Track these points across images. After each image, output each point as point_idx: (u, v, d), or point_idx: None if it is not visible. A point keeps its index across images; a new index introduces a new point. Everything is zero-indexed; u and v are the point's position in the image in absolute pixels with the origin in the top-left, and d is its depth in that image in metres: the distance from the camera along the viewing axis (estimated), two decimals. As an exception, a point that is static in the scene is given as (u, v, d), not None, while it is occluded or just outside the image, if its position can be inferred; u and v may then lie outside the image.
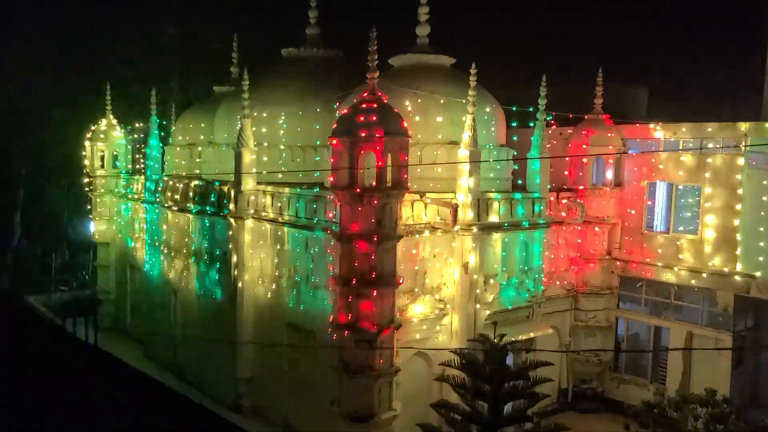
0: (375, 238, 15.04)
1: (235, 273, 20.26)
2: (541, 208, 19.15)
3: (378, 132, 14.85)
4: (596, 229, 20.70)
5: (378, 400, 15.55)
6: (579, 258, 21.02)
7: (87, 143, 30.72)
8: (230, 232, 20.36)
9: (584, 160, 20.56)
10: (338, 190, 15.33)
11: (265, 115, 21.38)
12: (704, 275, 19.20)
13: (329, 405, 16.44)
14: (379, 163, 14.91)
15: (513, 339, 18.11)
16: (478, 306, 17.78)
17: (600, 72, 21.03)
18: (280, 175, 20.52)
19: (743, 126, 18.72)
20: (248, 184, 20.06)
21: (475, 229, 17.35)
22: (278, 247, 19.27)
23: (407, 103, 18.02)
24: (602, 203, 20.67)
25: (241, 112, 20.49)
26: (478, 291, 17.75)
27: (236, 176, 20.28)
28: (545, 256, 19.54)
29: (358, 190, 14.89)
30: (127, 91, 38.08)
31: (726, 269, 18.87)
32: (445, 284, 17.78)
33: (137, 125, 30.79)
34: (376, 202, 14.98)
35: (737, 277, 18.63)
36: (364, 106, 15.25)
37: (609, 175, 20.73)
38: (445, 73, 20.38)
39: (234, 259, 20.23)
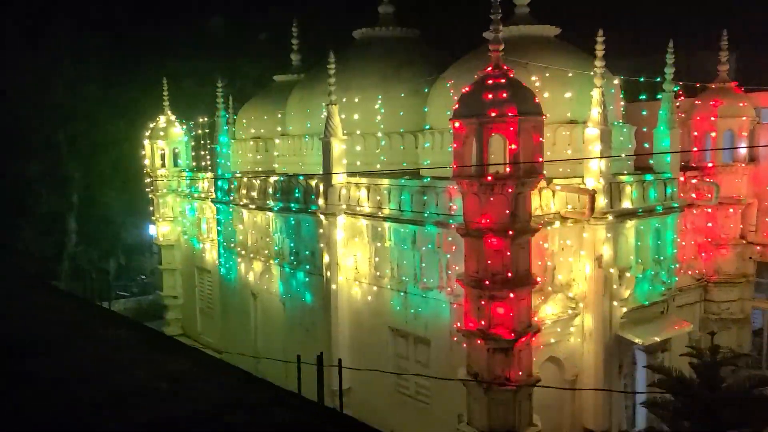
0: (510, 233, 13.10)
1: (328, 274, 18.53)
2: (674, 190, 16.98)
3: (510, 111, 12.87)
4: (730, 210, 18.43)
5: (518, 415, 13.69)
6: (709, 243, 18.79)
7: (146, 142, 29.35)
8: (320, 230, 18.61)
9: (713, 134, 18.25)
10: (464, 178, 13.40)
11: (344, 100, 19.46)
12: None
13: (456, 421, 14.65)
14: (513, 146, 12.95)
15: (656, 339, 16.18)
16: (615, 303, 15.73)
17: (725, 35, 18.65)
18: (378, 165, 18.67)
19: None
20: (339, 176, 18.27)
21: (609, 218, 15.27)
22: (378, 244, 17.46)
23: (534, 78, 15.91)
24: (735, 181, 18.37)
25: (327, 98, 18.68)
26: (614, 286, 15.69)
27: (325, 168, 18.50)
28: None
29: (490, 178, 12.95)
30: (181, 86, 36.75)
31: None
32: (575, 280, 15.76)
33: (193, 121, 29.20)
34: (511, 191, 13.03)
35: None
36: (490, 82, 13.25)
37: (742, 149, 18.41)
38: (552, 45, 18.23)
39: (326, 258, 18.49)
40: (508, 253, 13.20)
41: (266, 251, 21.53)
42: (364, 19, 24.18)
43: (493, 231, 13.19)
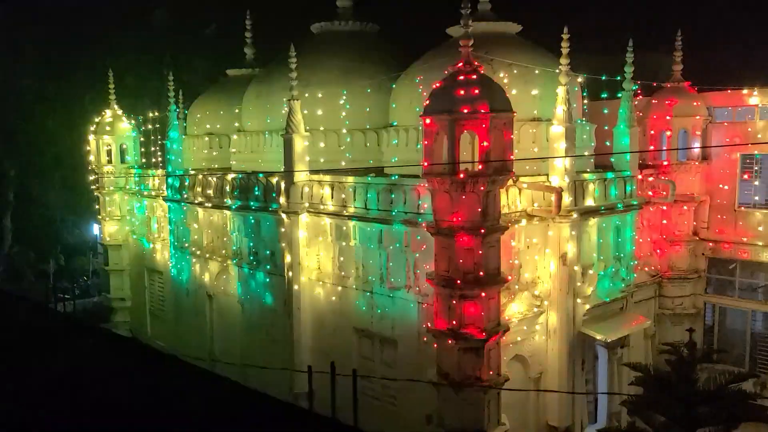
0: (482, 231, 13.03)
1: (290, 274, 18.08)
2: (633, 187, 17.31)
3: (482, 107, 12.79)
4: (684, 207, 18.92)
5: (487, 415, 13.65)
6: (663, 240, 19.26)
7: (91, 137, 28.07)
8: (282, 229, 18.14)
9: (668, 132, 18.70)
10: (435, 176, 13.24)
11: (306, 95, 19.03)
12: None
13: (424, 422, 14.54)
14: (485, 143, 12.87)
15: (617, 335, 16.45)
16: (579, 301, 15.91)
17: (679, 35, 19.12)
18: (343, 163, 18.33)
19: None
20: (301, 174, 17.85)
21: (574, 215, 15.42)
22: (343, 243, 17.13)
23: (502, 74, 15.87)
24: (689, 179, 18.88)
25: (287, 93, 18.23)
26: (578, 284, 15.86)
27: (287, 165, 18.04)
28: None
29: (462, 175, 12.83)
30: (123, 80, 35.33)
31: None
32: (539, 278, 15.85)
33: (142, 116, 28.09)
34: (482, 188, 12.95)
35: None
36: (461, 78, 13.14)
37: (696, 148, 18.92)
38: (515, 42, 18.29)
39: (287, 258, 18.03)
40: (480, 252, 13.12)
41: (223, 251, 20.88)
42: (318, 14, 23.77)
43: (465, 229, 13.09)
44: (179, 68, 40.49)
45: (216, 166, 23.92)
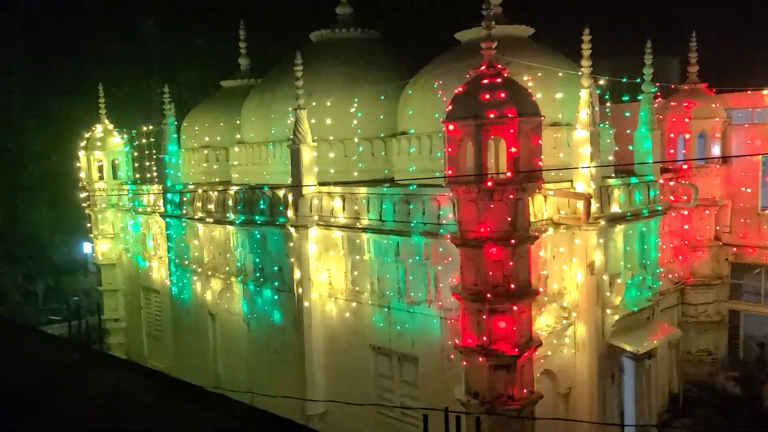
0: (512, 241, 12.30)
1: (299, 290, 17.24)
2: (657, 192, 16.69)
3: (510, 111, 12.09)
4: (705, 212, 18.36)
5: (522, 435, 12.87)
6: (685, 246, 18.66)
7: (81, 153, 27.09)
8: (290, 243, 17.31)
9: (686, 135, 18.15)
10: (460, 185, 12.51)
11: (314, 104, 18.30)
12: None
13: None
14: (513, 150, 12.17)
15: (647, 346, 15.77)
16: (608, 311, 15.21)
17: (694, 36, 18.64)
18: (356, 174, 17.58)
19: None
20: (310, 186, 17.06)
21: (601, 223, 14.74)
22: (356, 257, 16.33)
23: (526, 78, 15.21)
24: (710, 183, 18.32)
25: (292, 102, 17.47)
26: (608, 294, 15.17)
27: (294, 177, 17.25)
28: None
29: (490, 183, 12.11)
30: (113, 94, 34.38)
31: None
32: (566, 289, 15.14)
33: (135, 130, 27.18)
34: (512, 197, 12.23)
35: None
36: (486, 81, 12.45)
37: (716, 150, 18.39)
38: (528, 45, 17.70)
39: (297, 274, 17.20)
40: (510, 264, 12.39)
41: (226, 268, 19.98)
42: (308, 23, 23.16)
43: (494, 240, 12.35)
44: (169, 81, 39.68)
45: (217, 180, 23.05)
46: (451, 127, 12.63)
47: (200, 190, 20.63)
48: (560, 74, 15.47)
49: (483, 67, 12.77)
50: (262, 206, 18.13)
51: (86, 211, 27.63)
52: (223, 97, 25.69)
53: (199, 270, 21.08)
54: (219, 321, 20.83)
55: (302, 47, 22.27)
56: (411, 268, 15.15)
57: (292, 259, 17.28)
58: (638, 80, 16.37)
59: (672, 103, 18.61)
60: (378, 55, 21.02)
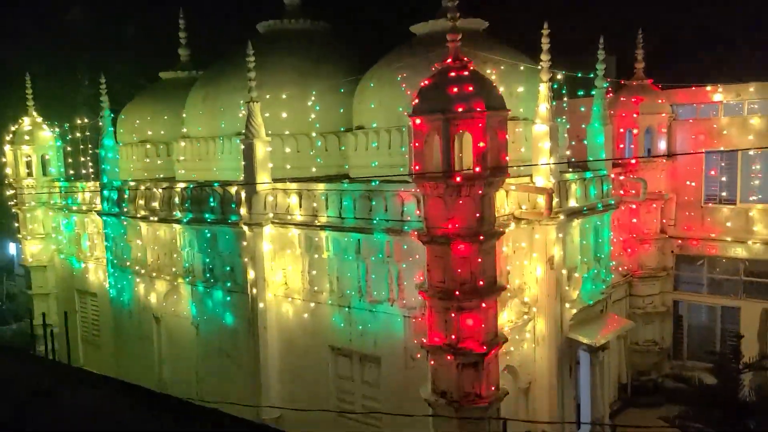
0: (481, 237, 12.18)
1: (254, 291, 16.60)
2: (610, 186, 17.00)
3: (478, 105, 11.93)
4: (653, 205, 18.85)
5: (488, 433, 12.80)
6: (633, 239, 19.12)
7: (7, 147, 25.33)
8: (243, 243, 16.64)
9: (634, 130, 18.58)
10: (428, 180, 12.28)
11: (267, 97, 17.66)
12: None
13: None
14: (481, 144, 12.02)
15: (602, 339, 16.04)
16: (567, 305, 15.36)
17: (640, 33, 19.08)
18: (314, 169, 17.06)
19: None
20: (264, 182, 16.44)
21: (561, 217, 14.86)
22: (315, 256, 15.86)
23: (489, 71, 15.07)
24: (657, 177, 18.82)
25: (244, 95, 16.83)
26: (566, 288, 15.32)
27: (247, 173, 16.59)
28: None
29: (459, 179, 11.93)
30: (36, 85, 32.38)
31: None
32: (526, 284, 15.19)
33: (68, 123, 25.59)
34: (480, 192, 12.10)
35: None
36: (453, 74, 12.25)
37: (662, 145, 18.90)
38: (482, 39, 17.61)
39: (250, 274, 16.56)
40: (478, 260, 12.27)
41: (172, 269, 19.06)
42: (251, 14, 22.44)
43: (462, 236, 12.19)
44: (96, 73, 37.72)
45: (160, 176, 21.97)
46: (417, 121, 12.35)
47: (143, 187, 19.60)
48: (521, 68, 15.45)
49: (449, 60, 12.55)
50: (212, 204, 17.36)
51: (13, 210, 25.90)
52: (163, 90, 24.58)
53: (142, 271, 20.04)
54: (164, 324, 19.87)
55: (247, 38, 21.60)
56: (373, 266, 14.82)
57: (246, 259, 16.63)
58: (591, 75, 16.58)
59: (621, 99, 19.01)
60: (330, 47, 20.52)
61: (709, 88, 18.61)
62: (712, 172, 18.74)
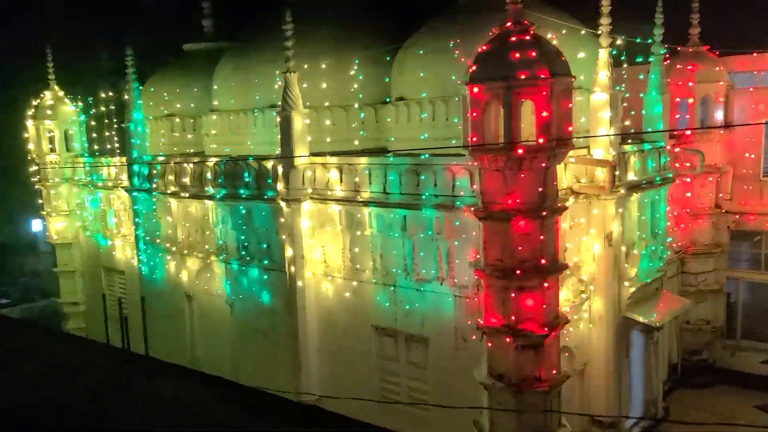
0: (543, 213, 11.37)
1: (292, 269, 15.97)
2: (667, 159, 16.08)
3: (542, 72, 11.00)
4: (708, 179, 17.90)
5: (549, 417, 12.13)
6: (687, 214, 18.21)
7: (29, 123, 24.69)
8: (281, 219, 15.96)
9: (690, 100, 17.56)
10: (486, 152, 11.44)
11: (305, 67, 16.76)
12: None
13: (465, 430, 12.88)
14: (545, 114, 11.14)
15: (660, 317, 15.28)
16: (625, 283, 14.57)
17: (696, -4, 17.93)
18: (356, 142, 16.30)
19: None
20: (302, 156, 15.69)
21: (621, 191, 13.99)
22: (356, 233, 15.15)
23: (550, 36, 14.07)
24: (713, 149, 17.82)
25: (276, 65, 16.06)
26: (624, 265, 14.52)
27: (284, 147, 15.84)
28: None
29: (521, 151, 11.09)
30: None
31: None
32: (583, 261, 14.40)
33: (92, 97, 24.89)
34: (543, 165, 11.26)
35: None
36: (514, 39, 11.31)
37: (719, 115, 17.88)
38: (536, 5, 16.54)
39: (288, 252, 15.91)
40: (541, 237, 11.47)
41: (205, 246, 18.47)
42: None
43: (522, 212, 11.38)
44: (114, 45, 36.96)
45: (190, 150, 21.26)
46: (475, 89, 11.44)
47: (173, 162, 18.92)
48: (582, 32, 14.47)
49: (509, 24, 11.62)
50: (247, 179, 16.66)
51: (36, 186, 25.38)
52: (187, 62, 23.80)
53: (173, 249, 19.48)
54: (197, 303, 19.36)
55: (275, 7, 20.66)
56: (420, 243, 14.09)
57: (283, 236, 15.96)
58: (650, 40, 15.55)
59: (676, 66, 17.94)
60: (364, 15, 19.55)
61: (772, 53, 17.52)
62: (773, 143, 17.77)
